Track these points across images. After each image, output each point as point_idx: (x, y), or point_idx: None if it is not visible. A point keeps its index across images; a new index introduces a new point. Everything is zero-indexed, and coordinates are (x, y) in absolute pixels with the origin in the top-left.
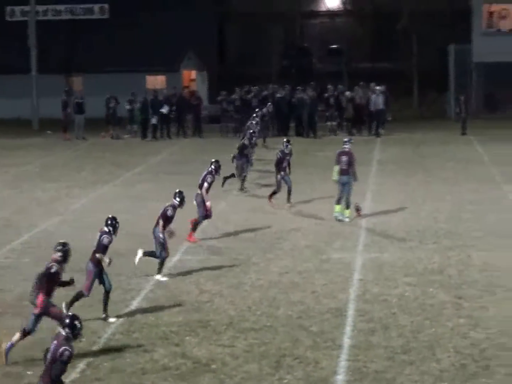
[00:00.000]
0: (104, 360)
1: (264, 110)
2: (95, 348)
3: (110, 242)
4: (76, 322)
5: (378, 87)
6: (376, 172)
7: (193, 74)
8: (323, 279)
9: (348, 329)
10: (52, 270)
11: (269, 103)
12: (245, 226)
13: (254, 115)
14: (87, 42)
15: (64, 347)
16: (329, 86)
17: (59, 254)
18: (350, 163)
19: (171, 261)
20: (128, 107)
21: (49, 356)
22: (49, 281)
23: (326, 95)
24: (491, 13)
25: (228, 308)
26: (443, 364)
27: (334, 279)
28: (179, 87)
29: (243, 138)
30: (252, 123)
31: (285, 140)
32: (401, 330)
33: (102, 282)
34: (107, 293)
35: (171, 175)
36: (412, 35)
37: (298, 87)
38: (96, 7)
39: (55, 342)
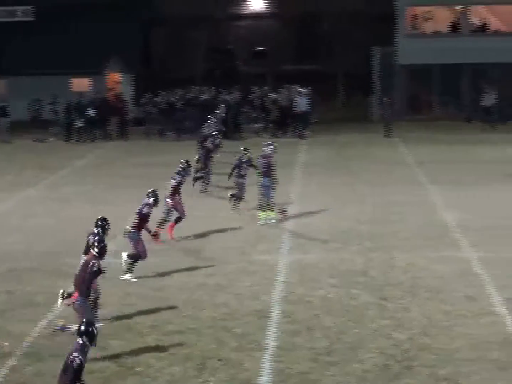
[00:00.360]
0: (27, 364)
1: (220, 112)
2: (18, 351)
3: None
4: (91, 329)
5: (303, 89)
6: (301, 174)
7: (118, 76)
8: (248, 281)
9: (272, 330)
10: (95, 269)
11: (222, 105)
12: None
13: (211, 117)
14: (12, 45)
15: (74, 354)
16: (254, 88)
17: (96, 250)
18: (270, 166)
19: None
20: (51, 109)
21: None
22: (89, 279)
23: (251, 97)
24: (415, 16)
25: (153, 311)
26: (366, 364)
27: (259, 281)
28: (104, 90)
29: (202, 141)
30: (211, 125)
31: (242, 148)
32: (325, 331)
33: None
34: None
35: (96, 178)
36: (337, 37)
37: (223, 89)
38: (20, 9)
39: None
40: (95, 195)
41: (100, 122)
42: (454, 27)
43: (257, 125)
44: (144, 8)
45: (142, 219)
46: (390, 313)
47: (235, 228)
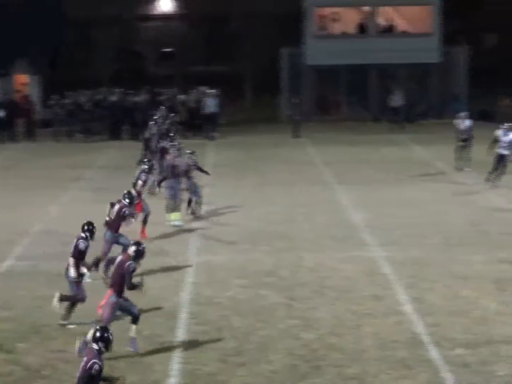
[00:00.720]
0: None
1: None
2: None
3: (86, 247)
4: (107, 335)
5: (211, 90)
6: (210, 175)
7: (26, 78)
8: (156, 283)
9: (180, 331)
10: (131, 269)
11: (162, 107)
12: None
13: (156, 118)
14: None
15: (93, 361)
16: (162, 90)
17: (133, 249)
18: (175, 167)
19: (2, 267)
20: None
21: (79, 371)
22: (122, 278)
23: (159, 98)
24: (323, 17)
25: (60, 314)
26: (275, 365)
27: (167, 282)
28: (12, 91)
29: (147, 142)
30: (152, 127)
31: (188, 151)
32: (233, 332)
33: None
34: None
35: (3, 179)
36: (245, 38)
37: (131, 91)
38: None
39: (85, 357)
40: (1, 197)
41: (8, 123)
42: (362, 28)
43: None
44: (53, 8)
45: (121, 220)
46: (299, 313)
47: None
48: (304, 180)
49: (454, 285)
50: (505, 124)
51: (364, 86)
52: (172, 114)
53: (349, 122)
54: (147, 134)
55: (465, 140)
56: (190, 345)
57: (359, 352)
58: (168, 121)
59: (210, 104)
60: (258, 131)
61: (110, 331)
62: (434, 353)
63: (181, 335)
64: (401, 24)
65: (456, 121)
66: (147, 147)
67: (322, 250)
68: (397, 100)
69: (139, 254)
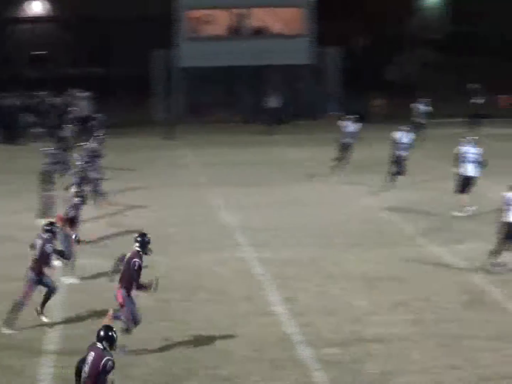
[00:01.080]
0: None
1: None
2: None
3: (53, 249)
4: (111, 333)
5: (82, 93)
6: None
7: None
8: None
9: (54, 335)
10: (136, 267)
11: (75, 108)
12: None
13: (71, 120)
14: None
15: (106, 358)
16: (34, 93)
17: (137, 244)
18: None
19: None
20: None
21: (87, 369)
22: (133, 275)
23: (31, 101)
24: (195, 19)
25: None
26: (149, 368)
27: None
28: None
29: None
30: (68, 129)
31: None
32: None
33: (46, 285)
34: (51, 292)
35: None
36: (118, 40)
37: (3, 94)
38: None
39: (92, 353)
40: None
41: None
42: (234, 30)
43: (36, 130)
44: None
45: (72, 221)
46: (172, 316)
47: (21, 234)
48: (178, 182)
49: (326, 284)
50: (404, 126)
51: (238, 87)
52: (100, 114)
53: (222, 124)
54: (63, 134)
55: (349, 142)
56: (63, 349)
57: (231, 353)
58: (94, 122)
59: (82, 107)
60: (131, 133)
61: (114, 329)
62: (306, 353)
63: (55, 339)
64: (273, 26)
65: (342, 123)
66: (64, 147)
67: (195, 252)
68: (272, 101)
69: (143, 244)
